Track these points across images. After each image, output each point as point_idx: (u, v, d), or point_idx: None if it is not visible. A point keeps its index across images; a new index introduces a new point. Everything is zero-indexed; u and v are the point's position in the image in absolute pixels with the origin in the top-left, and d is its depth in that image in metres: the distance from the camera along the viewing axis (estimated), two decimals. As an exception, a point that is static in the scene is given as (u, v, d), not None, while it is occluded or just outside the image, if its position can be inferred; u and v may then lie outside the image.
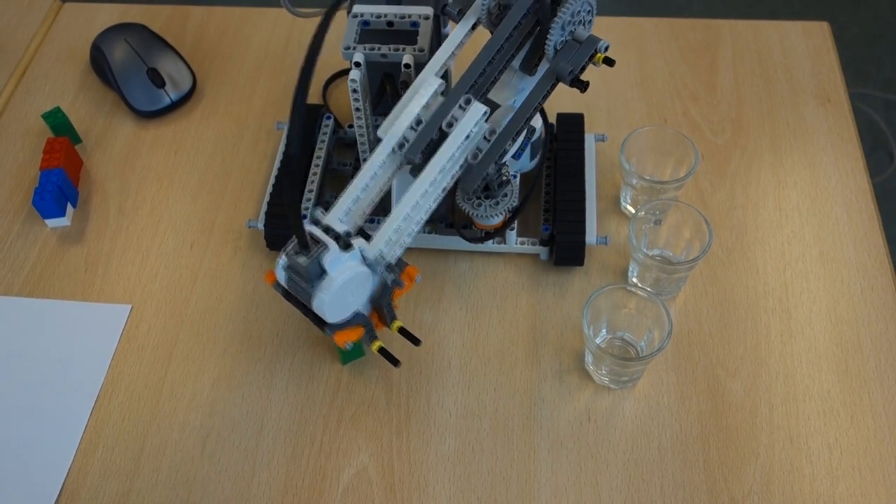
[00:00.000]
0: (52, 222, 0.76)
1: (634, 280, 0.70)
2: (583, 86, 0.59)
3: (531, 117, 0.59)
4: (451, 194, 0.65)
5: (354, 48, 0.64)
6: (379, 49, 0.64)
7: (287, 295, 0.62)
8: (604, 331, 0.67)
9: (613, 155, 0.78)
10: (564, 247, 0.69)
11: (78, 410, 0.66)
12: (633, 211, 0.74)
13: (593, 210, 0.71)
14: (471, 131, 0.57)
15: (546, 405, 0.65)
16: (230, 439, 0.64)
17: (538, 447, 0.63)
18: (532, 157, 0.72)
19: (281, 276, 0.57)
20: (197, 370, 0.68)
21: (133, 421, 0.65)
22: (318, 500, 0.61)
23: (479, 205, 0.64)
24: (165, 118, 0.84)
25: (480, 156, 0.57)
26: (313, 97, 0.84)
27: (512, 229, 0.70)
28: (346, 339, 0.60)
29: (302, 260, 0.54)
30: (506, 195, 0.63)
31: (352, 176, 0.60)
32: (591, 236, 0.69)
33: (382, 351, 0.61)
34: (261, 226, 0.72)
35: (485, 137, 0.57)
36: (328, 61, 0.86)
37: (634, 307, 0.65)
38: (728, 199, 0.76)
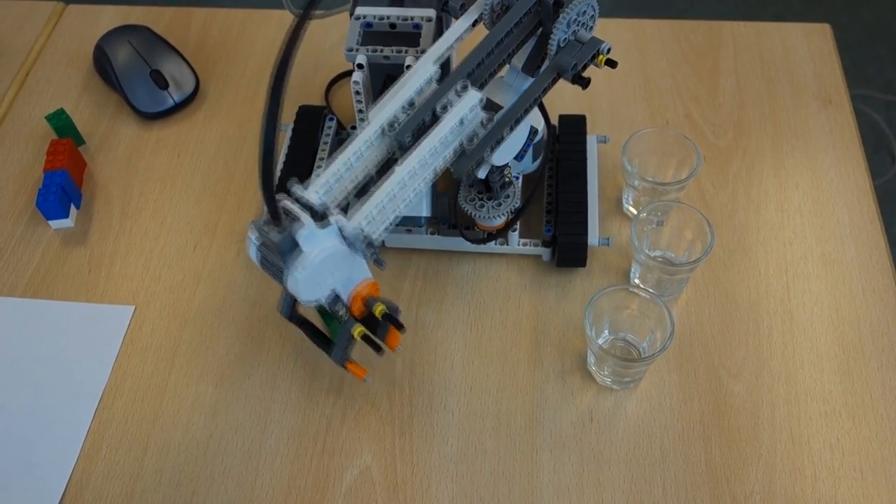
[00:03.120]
0: (55, 224, 0.77)
1: (636, 281, 0.70)
2: (584, 82, 0.58)
3: (530, 108, 0.59)
4: (453, 196, 0.66)
5: (357, 50, 0.65)
6: (381, 51, 0.64)
7: (302, 324, 0.62)
8: (606, 332, 0.67)
9: (615, 156, 0.78)
10: (566, 248, 0.69)
11: (81, 411, 0.66)
12: (635, 212, 0.74)
13: (595, 211, 0.71)
14: (465, 116, 0.55)
15: (548, 406, 0.65)
16: (233, 440, 0.64)
17: (540, 448, 0.63)
18: (534, 159, 0.72)
19: (253, 254, 0.53)
20: (200, 371, 0.68)
21: (137, 422, 0.66)
22: (321, 501, 0.61)
23: (482, 206, 0.64)
24: (168, 120, 0.84)
25: (477, 141, 0.56)
26: (316, 99, 0.84)
27: (514, 230, 0.70)
28: (361, 373, 0.60)
29: (274, 235, 0.50)
30: (508, 196, 0.64)
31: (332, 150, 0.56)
32: (593, 237, 0.69)
33: (365, 338, 0.59)
34: (264, 227, 0.72)
35: (482, 124, 0.56)
36: (331, 63, 0.87)
37: (636, 308, 0.65)
38: (730, 200, 0.76)
